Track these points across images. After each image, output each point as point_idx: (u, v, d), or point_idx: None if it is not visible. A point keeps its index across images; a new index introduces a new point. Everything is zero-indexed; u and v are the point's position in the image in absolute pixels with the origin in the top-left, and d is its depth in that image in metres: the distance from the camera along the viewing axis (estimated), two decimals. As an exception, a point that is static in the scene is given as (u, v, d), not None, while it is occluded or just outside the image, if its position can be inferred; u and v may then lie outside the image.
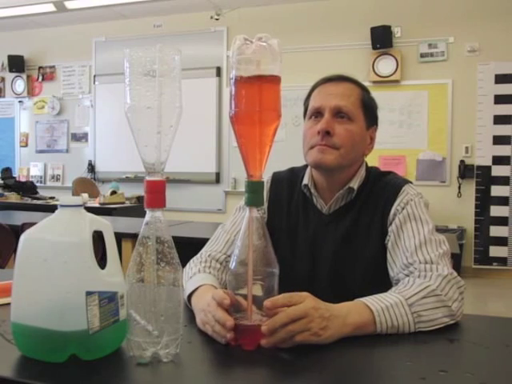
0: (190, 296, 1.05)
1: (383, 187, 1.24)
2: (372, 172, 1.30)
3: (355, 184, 1.24)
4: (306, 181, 1.29)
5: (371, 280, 1.20)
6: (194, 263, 1.21)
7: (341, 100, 1.20)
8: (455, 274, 1.05)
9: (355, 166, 1.26)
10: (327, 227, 1.26)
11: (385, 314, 0.93)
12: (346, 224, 1.24)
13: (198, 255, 1.25)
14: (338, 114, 1.20)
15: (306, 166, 1.34)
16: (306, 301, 0.85)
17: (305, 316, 0.83)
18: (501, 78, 5.08)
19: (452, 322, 0.98)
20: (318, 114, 1.22)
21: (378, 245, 1.20)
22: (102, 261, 0.79)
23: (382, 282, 1.17)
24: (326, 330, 0.85)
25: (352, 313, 0.91)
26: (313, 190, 1.28)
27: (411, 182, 1.26)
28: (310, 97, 1.28)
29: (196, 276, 1.13)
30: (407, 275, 1.08)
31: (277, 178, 1.36)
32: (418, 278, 1.03)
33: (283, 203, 1.32)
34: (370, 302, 0.94)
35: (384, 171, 1.32)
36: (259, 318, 0.85)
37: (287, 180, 1.35)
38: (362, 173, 1.27)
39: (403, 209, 1.18)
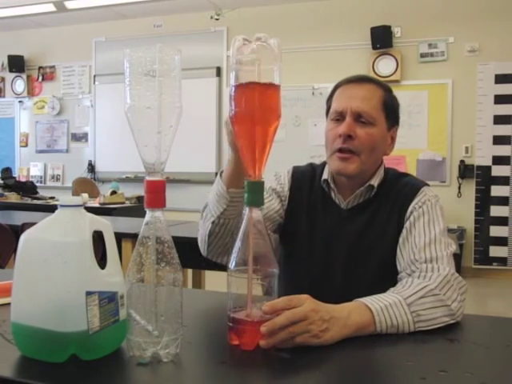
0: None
1: (402, 187, 1.27)
2: (390, 172, 1.32)
3: (376, 182, 1.26)
4: (325, 176, 1.31)
5: (384, 276, 1.21)
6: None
7: (361, 103, 1.21)
8: (457, 274, 1.06)
9: (376, 166, 1.28)
10: (344, 222, 1.28)
11: (384, 313, 0.93)
12: (364, 220, 1.26)
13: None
14: (359, 118, 1.21)
15: (325, 162, 1.36)
16: (305, 303, 0.85)
17: (304, 318, 0.83)
18: (501, 78, 5.08)
19: (452, 321, 0.98)
20: (339, 116, 1.24)
21: (393, 242, 1.22)
22: (102, 261, 0.78)
23: (394, 278, 1.18)
24: (326, 332, 0.85)
25: (353, 314, 0.91)
26: (332, 186, 1.30)
27: (428, 184, 1.29)
28: (333, 96, 1.29)
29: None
30: (409, 275, 1.09)
31: (298, 170, 1.39)
32: (417, 279, 1.04)
33: (304, 193, 1.34)
34: (369, 302, 0.94)
35: (402, 172, 1.35)
36: (260, 316, 0.85)
37: (308, 173, 1.37)
38: (382, 171, 1.29)
39: (420, 207, 1.21)
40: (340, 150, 1.22)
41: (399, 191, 1.26)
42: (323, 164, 1.37)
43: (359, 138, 1.20)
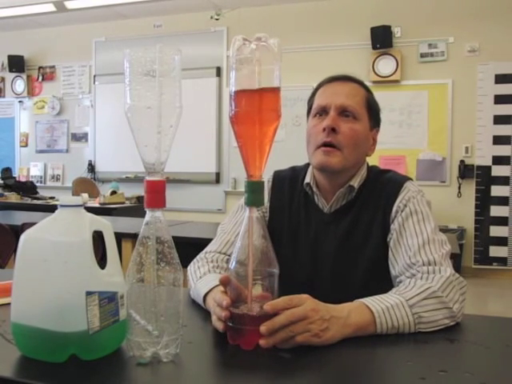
0: (204, 296, 1.04)
1: (384, 184, 1.24)
2: (372, 170, 1.30)
3: (355, 182, 1.24)
4: (308, 179, 1.29)
5: (372, 277, 1.20)
6: (201, 263, 1.20)
7: (346, 99, 1.21)
8: (457, 274, 1.05)
9: (357, 166, 1.26)
10: (328, 226, 1.26)
11: (385, 314, 0.92)
12: (348, 222, 1.24)
13: (203, 255, 1.25)
14: (344, 112, 1.21)
15: (307, 165, 1.35)
16: (306, 303, 0.85)
17: (304, 318, 0.83)
18: (501, 78, 5.08)
19: (452, 323, 0.98)
20: (323, 111, 1.23)
21: (380, 242, 1.20)
22: (102, 261, 0.78)
23: (383, 279, 1.18)
24: (326, 331, 0.85)
25: (353, 314, 0.91)
26: (315, 189, 1.28)
27: (411, 179, 1.27)
28: (315, 95, 1.28)
29: (207, 276, 1.12)
30: (409, 277, 1.07)
31: (278, 176, 1.36)
32: (420, 280, 1.03)
33: (285, 202, 1.32)
34: (370, 303, 0.94)
35: (383, 169, 1.32)
36: (260, 315, 0.85)
37: (289, 179, 1.35)
38: (363, 172, 1.27)
39: (405, 206, 1.18)
40: (323, 145, 1.20)
41: (381, 189, 1.24)
42: (306, 167, 1.35)
43: (343, 133, 1.19)
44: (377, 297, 0.97)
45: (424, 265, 1.07)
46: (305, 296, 0.86)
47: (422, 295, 0.97)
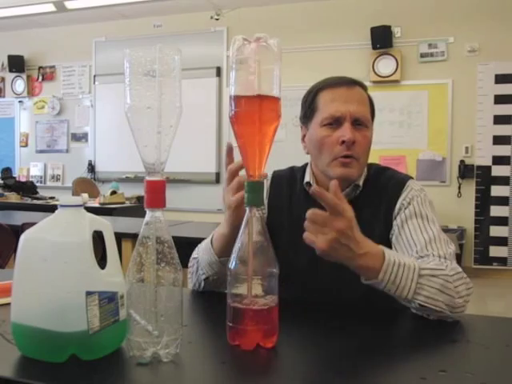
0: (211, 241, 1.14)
1: (386, 182, 1.26)
2: (372, 168, 1.31)
3: (361, 181, 1.26)
4: (307, 178, 1.30)
5: None
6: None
7: (358, 109, 1.21)
8: (465, 275, 1.07)
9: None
10: None
11: (393, 268, 0.96)
12: None
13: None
14: (356, 121, 1.21)
15: (305, 165, 1.35)
16: (350, 216, 0.93)
17: (344, 228, 0.91)
18: (501, 78, 5.08)
19: (448, 313, 0.99)
20: (334, 121, 1.21)
21: (382, 240, 1.20)
22: (102, 261, 0.78)
23: None
24: (337, 250, 0.92)
25: (367, 257, 0.95)
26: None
27: (413, 178, 1.28)
28: (317, 100, 1.26)
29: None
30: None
31: (277, 175, 1.37)
32: (438, 261, 1.06)
33: (283, 202, 1.32)
34: (388, 252, 0.97)
35: (383, 166, 1.33)
36: (260, 316, 0.85)
37: (288, 178, 1.35)
38: (365, 169, 1.28)
39: (409, 204, 1.19)
40: (343, 156, 1.20)
41: (383, 187, 1.25)
42: (304, 167, 1.35)
43: (359, 143, 1.20)
44: (398, 253, 1.02)
45: (434, 256, 1.09)
46: (350, 212, 0.93)
47: (435, 272, 0.99)
